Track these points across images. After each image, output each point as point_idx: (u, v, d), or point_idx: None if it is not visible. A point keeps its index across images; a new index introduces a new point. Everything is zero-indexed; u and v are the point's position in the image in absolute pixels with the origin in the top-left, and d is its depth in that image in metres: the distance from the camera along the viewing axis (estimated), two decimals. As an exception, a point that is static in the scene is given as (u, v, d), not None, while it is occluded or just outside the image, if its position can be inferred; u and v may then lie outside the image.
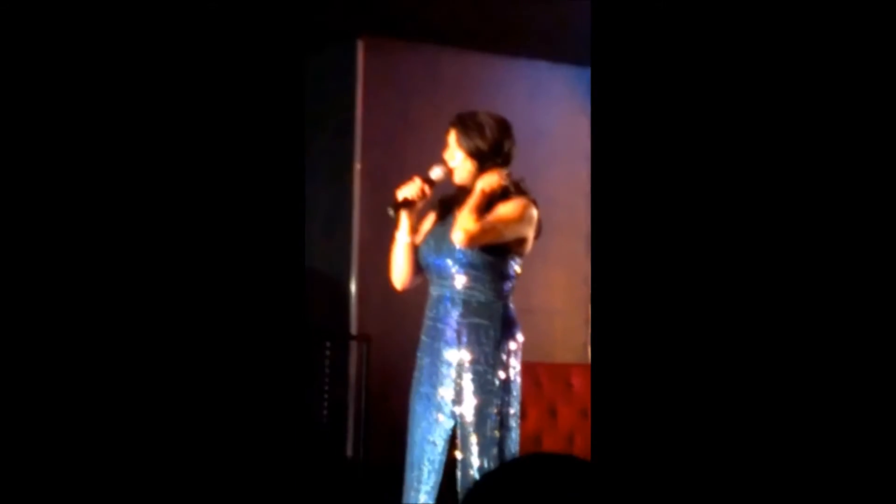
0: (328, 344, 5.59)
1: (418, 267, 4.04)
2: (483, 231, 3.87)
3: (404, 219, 4.00)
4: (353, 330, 5.74)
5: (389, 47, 5.84)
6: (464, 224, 3.85)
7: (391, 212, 3.97)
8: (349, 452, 5.63)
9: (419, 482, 3.96)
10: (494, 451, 3.87)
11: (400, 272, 4.06)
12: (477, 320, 3.91)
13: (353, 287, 5.74)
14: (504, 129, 4.01)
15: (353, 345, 5.70)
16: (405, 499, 4.00)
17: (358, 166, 5.75)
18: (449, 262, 3.94)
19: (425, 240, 4.04)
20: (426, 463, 3.95)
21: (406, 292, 4.13)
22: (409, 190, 3.95)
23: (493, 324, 3.92)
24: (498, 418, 3.89)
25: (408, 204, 3.95)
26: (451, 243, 3.91)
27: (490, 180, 3.95)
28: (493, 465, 3.87)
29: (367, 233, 5.65)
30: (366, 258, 5.67)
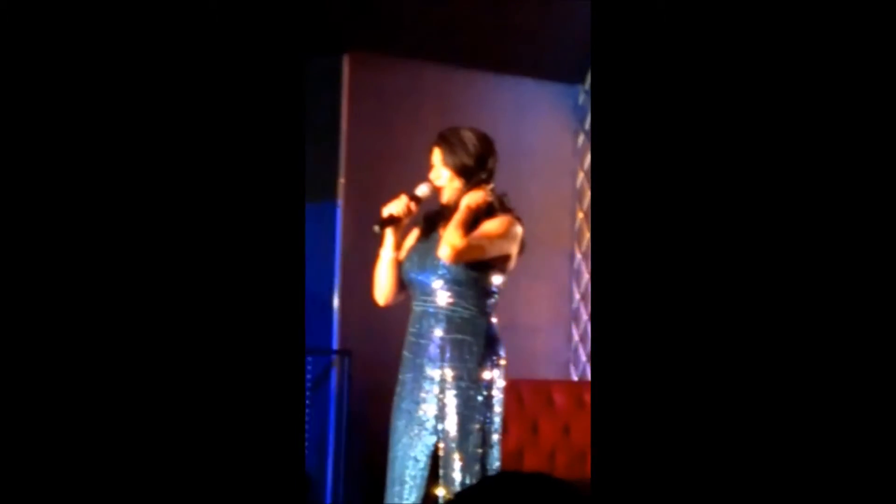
0: (310, 359, 5.58)
1: (402, 283, 4.04)
2: (469, 247, 3.87)
3: (389, 235, 4.00)
4: (335, 345, 5.73)
5: (375, 63, 5.84)
6: (450, 240, 3.85)
7: (377, 228, 3.97)
8: (330, 466, 5.61)
9: (400, 498, 3.95)
10: (476, 467, 3.87)
11: (383, 288, 4.06)
12: (460, 336, 3.91)
13: (335, 302, 5.73)
14: (487, 144, 4.02)
15: (335, 360, 5.68)
16: (386, 515, 4.00)
17: (342, 181, 5.75)
18: (432, 278, 3.94)
19: (408, 256, 4.03)
20: (408, 479, 3.94)
21: (388, 308, 4.13)
22: (395, 207, 3.95)
23: (476, 340, 3.92)
24: (480, 435, 3.89)
25: (393, 221, 3.96)
26: (434, 259, 3.92)
27: (475, 197, 3.96)
28: (474, 482, 3.86)
29: (351, 247, 5.64)
30: (348, 273, 5.66)
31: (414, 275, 3.99)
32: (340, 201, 5.74)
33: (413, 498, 3.93)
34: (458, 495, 1.62)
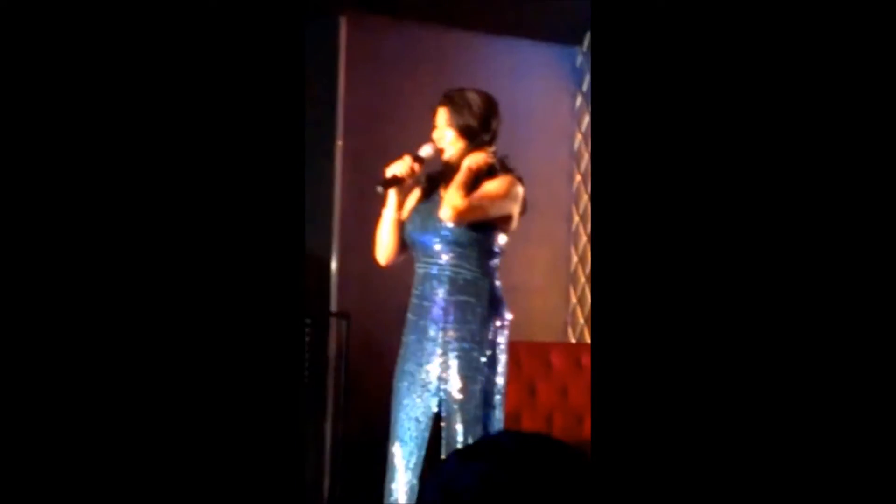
0: (308, 321, 5.57)
1: (403, 244, 4.04)
2: (471, 207, 3.87)
3: (392, 196, 4.00)
4: (333, 307, 5.72)
5: (372, 24, 5.81)
6: (452, 200, 3.85)
7: (380, 189, 3.97)
8: (328, 429, 5.62)
9: (402, 459, 3.96)
10: (478, 428, 3.87)
11: (385, 248, 4.06)
12: (464, 298, 3.91)
13: (333, 264, 5.72)
14: (491, 105, 4.02)
15: (333, 322, 5.68)
16: (388, 476, 4.00)
17: (340, 143, 5.73)
18: (435, 239, 3.94)
19: (410, 217, 4.03)
20: (409, 440, 3.95)
21: (385, 270, 4.13)
22: (399, 167, 3.94)
23: (479, 301, 3.92)
24: (482, 396, 3.89)
25: (397, 181, 3.95)
26: (437, 220, 3.91)
27: (477, 158, 3.96)
28: (476, 443, 3.87)
29: (349, 210, 5.63)
30: (346, 235, 5.64)
31: (416, 236, 3.99)
32: (338, 163, 5.71)
33: (415, 459, 3.94)
34: (456, 452, 1.61)
